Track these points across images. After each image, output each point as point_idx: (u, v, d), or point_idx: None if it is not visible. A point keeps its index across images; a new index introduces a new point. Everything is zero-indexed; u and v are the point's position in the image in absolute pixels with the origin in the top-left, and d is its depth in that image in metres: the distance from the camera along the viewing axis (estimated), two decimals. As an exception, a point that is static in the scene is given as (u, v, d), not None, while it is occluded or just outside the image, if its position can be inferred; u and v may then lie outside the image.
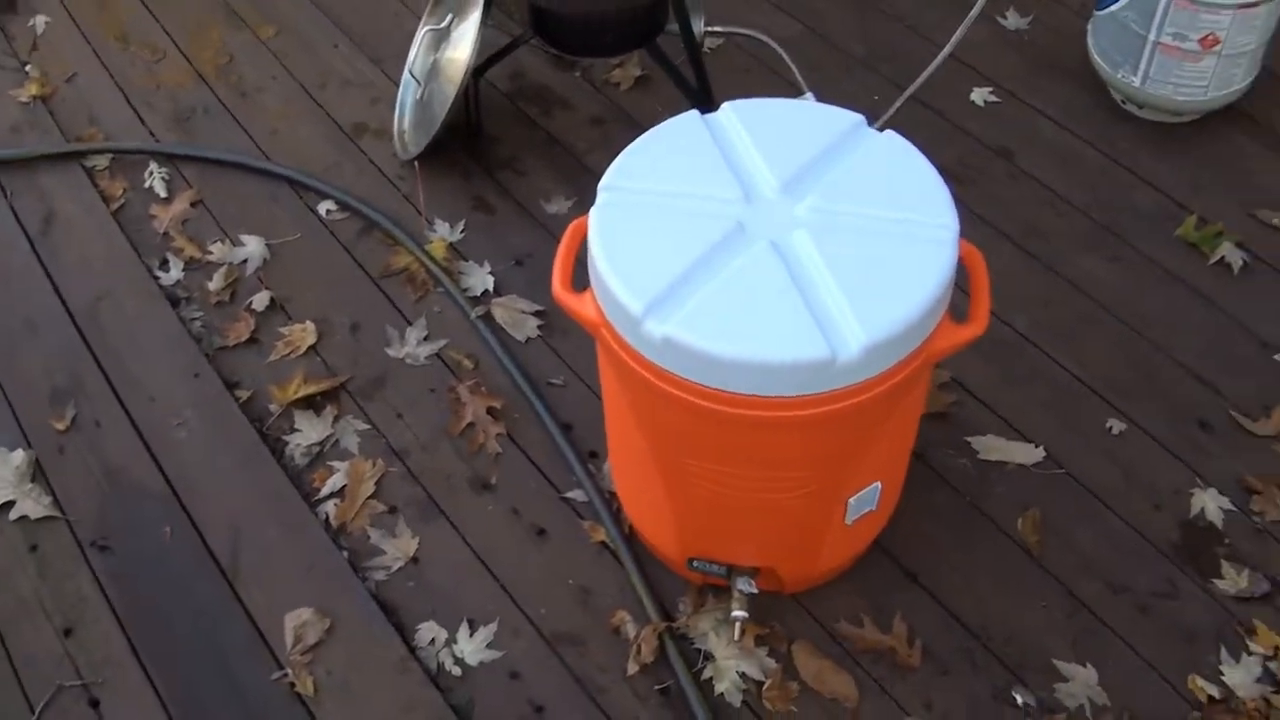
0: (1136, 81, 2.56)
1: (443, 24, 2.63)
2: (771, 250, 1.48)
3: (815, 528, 1.75)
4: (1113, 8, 2.53)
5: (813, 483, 1.64)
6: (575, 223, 1.63)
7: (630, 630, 1.92)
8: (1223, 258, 2.38)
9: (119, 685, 1.91)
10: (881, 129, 1.67)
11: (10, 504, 2.13)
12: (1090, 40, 2.68)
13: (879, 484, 1.74)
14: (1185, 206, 2.49)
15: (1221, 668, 1.85)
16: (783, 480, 1.62)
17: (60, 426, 2.23)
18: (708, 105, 1.69)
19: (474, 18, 2.44)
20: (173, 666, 1.92)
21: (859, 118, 1.66)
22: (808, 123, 1.65)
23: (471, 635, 1.94)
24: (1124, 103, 2.68)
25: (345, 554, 2.04)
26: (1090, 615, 1.92)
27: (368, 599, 1.97)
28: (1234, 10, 2.36)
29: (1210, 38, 2.41)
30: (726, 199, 1.55)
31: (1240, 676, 1.84)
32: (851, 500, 1.71)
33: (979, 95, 2.75)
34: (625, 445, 1.82)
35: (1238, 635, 1.89)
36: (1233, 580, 1.95)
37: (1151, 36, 2.46)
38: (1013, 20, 2.92)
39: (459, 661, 1.91)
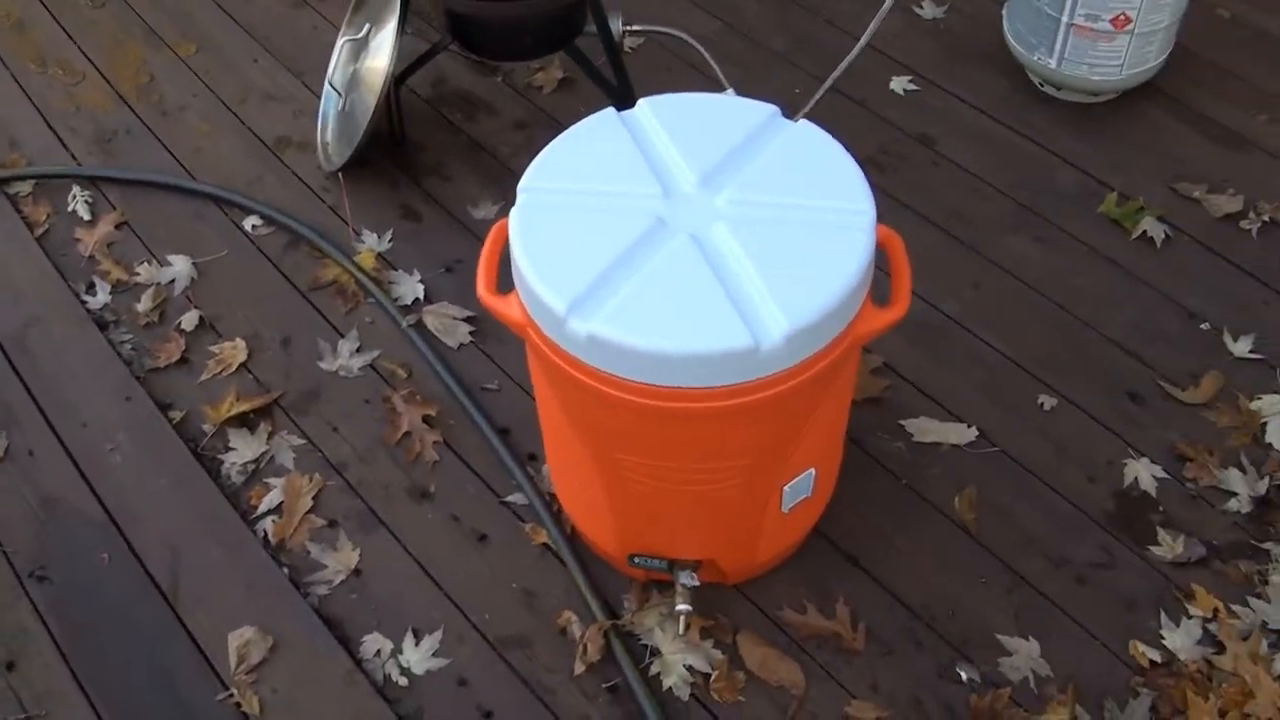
0: (1052, 63, 2.59)
1: (361, 34, 2.62)
2: (692, 244, 1.49)
3: (752, 517, 1.76)
4: (1026, -9, 2.57)
5: (746, 472, 1.64)
6: (497, 225, 1.63)
7: (576, 630, 1.92)
8: (1145, 232, 2.42)
9: (63, 716, 1.88)
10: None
11: (-55, 539, 2.10)
12: (1006, 25, 2.71)
13: (813, 470, 1.75)
14: (1106, 184, 2.53)
15: (1162, 632, 1.88)
16: (716, 471, 1.63)
17: (-8, 458, 2.21)
18: (629, 105, 1.69)
19: (391, 26, 2.43)
20: (117, 693, 1.90)
21: (774, 109, 1.67)
22: (724, 116, 1.66)
23: (417, 644, 1.93)
24: (1041, 85, 2.72)
25: (286, 570, 2.02)
26: (1030, 589, 1.95)
27: (310, 614, 1.96)
28: (1144, -11, 2.40)
29: (1122, 17, 2.44)
30: (645, 195, 1.56)
31: (1181, 640, 1.87)
32: (786, 488, 1.72)
33: (898, 84, 2.77)
34: (561, 445, 1.82)
35: (1176, 600, 1.92)
36: (1169, 547, 1.98)
37: (1065, 18, 2.49)
38: (929, 9, 2.95)
39: (405, 671, 1.90)
